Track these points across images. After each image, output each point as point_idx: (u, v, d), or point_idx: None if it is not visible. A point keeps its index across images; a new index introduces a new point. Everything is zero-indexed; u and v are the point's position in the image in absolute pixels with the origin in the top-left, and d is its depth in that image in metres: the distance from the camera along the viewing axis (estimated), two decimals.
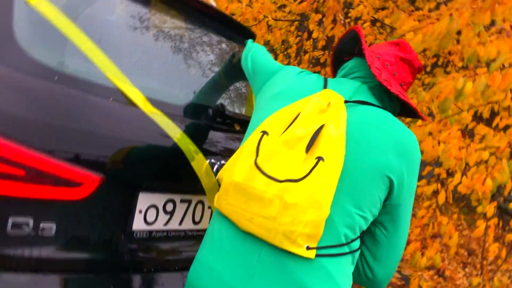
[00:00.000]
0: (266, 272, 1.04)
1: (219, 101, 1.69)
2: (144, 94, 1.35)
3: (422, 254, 3.00)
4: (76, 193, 1.17)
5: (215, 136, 1.57)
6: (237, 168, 1.09)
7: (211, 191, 1.43)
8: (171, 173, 1.40)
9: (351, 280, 1.15)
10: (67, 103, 1.19)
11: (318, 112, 1.10)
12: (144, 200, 1.35)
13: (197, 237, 1.50)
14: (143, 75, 1.44)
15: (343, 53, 1.39)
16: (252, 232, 1.05)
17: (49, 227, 1.16)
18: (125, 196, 1.31)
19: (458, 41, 2.98)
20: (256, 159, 1.07)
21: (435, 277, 4.63)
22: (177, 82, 1.56)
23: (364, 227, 1.12)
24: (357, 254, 1.14)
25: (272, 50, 6.11)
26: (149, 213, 1.37)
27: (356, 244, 1.11)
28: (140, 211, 1.35)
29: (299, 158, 1.05)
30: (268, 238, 1.02)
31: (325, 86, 1.21)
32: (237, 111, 1.80)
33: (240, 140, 1.55)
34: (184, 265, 1.33)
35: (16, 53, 1.16)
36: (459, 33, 2.34)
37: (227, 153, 1.50)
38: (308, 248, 1.01)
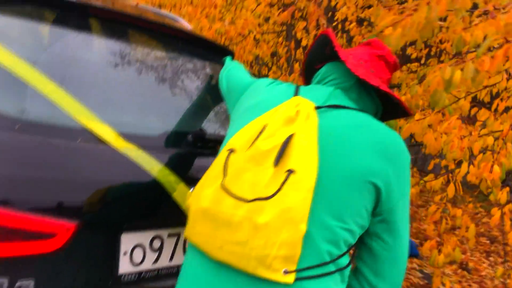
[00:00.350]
0: None
1: (200, 125, 1.63)
2: (115, 129, 1.29)
3: (439, 251, 2.88)
4: (51, 244, 1.10)
5: (198, 162, 1.50)
6: (204, 193, 1.01)
7: None
8: (153, 208, 1.33)
9: None
10: (30, 151, 1.13)
11: (286, 122, 1.02)
12: (127, 240, 1.28)
13: None
14: (113, 110, 1.37)
15: (314, 61, 1.32)
16: (225, 260, 0.96)
17: (27, 285, 1.09)
18: (106, 240, 1.24)
19: (447, 29, 2.92)
20: (223, 180, 1.00)
21: (459, 271, 4.48)
22: (152, 112, 1.50)
23: (352, 241, 1.02)
24: (347, 271, 1.04)
25: (263, 64, 6.07)
26: (135, 253, 1.30)
27: (344, 260, 1.02)
28: (125, 253, 1.27)
29: (268, 173, 0.96)
30: (241, 265, 0.94)
31: (295, 94, 1.14)
32: (221, 132, 1.73)
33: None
34: None
35: None
36: (446, 20, 2.28)
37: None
38: (285, 272, 0.92)
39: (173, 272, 1.38)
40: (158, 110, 1.52)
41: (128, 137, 1.30)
